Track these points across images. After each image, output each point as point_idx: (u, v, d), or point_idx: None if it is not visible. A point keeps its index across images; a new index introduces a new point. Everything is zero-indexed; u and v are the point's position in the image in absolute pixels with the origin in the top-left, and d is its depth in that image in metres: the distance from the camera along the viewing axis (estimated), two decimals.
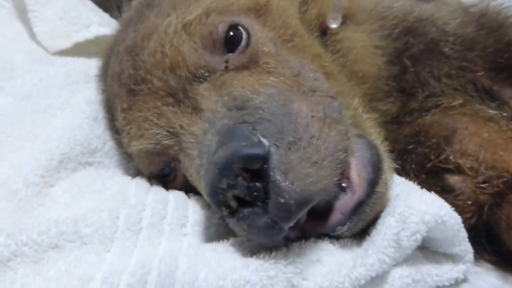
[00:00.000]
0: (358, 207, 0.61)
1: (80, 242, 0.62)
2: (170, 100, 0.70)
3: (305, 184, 0.55)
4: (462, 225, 0.63)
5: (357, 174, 0.62)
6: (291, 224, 0.56)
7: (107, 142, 0.84)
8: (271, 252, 0.59)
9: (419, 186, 0.72)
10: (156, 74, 0.70)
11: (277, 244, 0.59)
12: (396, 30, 0.87)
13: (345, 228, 0.61)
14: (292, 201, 0.55)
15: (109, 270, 0.56)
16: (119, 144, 0.83)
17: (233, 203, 0.57)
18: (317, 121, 0.61)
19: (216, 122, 0.63)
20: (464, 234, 0.64)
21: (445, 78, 0.85)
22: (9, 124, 0.84)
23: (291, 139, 0.57)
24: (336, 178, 0.59)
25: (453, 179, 0.78)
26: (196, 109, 0.67)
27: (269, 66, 0.69)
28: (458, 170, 0.78)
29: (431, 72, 0.85)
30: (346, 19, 0.85)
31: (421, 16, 0.88)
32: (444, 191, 0.77)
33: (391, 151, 0.81)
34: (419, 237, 0.60)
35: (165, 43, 0.70)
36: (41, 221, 0.64)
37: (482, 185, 0.74)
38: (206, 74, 0.69)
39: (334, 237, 0.62)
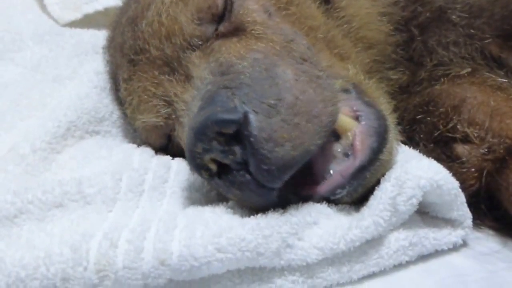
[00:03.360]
0: (359, 172, 0.61)
1: (83, 201, 0.64)
2: (166, 69, 0.71)
3: (286, 149, 0.56)
4: (460, 190, 0.63)
5: (361, 142, 0.62)
6: (278, 185, 0.58)
7: (115, 112, 0.86)
8: (267, 213, 0.60)
9: (421, 154, 0.73)
10: (153, 43, 0.72)
11: (273, 203, 0.60)
12: None
13: (344, 192, 0.61)
14: (274, 167, 0.56)
15: (110, 227, 0.58)
16: (125, 114, 0.85)
17: (213, 166, 0.58)
18: (301, 84, 0.61)
19: (202, 88, 0.64)
20: (462, 199, 0.64)
21: (452, 46, 0.84)
22: (18, 93, 0.86)
23: (271, 101, 0.58)
24: (320, 141, 0.59)
25: (461, 148, 0.78)
26: (188, 77, 0.69)
27: (257, 32, 0.69)
28: (466, 139, 0.78)
29: (438, 41, 0.85)
30: None
31: None
32: (451, 160, 0.77)
33: (400, 121, 0.82)
34: (415, 201, 0.61)
35: (161, 13, 0.72)
36: (45, 181, 0.66)
37: (484, 151, 0.74)
38: (199, 42, 0.70)
39: (334, 202, 0.63)
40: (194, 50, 0.70)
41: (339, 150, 0.63)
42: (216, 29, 0.70)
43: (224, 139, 0.56)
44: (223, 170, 0.58)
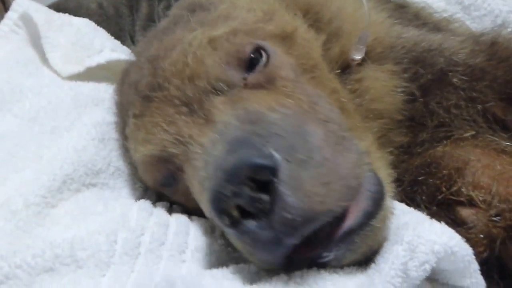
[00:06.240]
0: (348, 235, 0.58)
1: (75, 265, 0.61)
2: (184, 109, 0.69)
3: (313, 201, 0.54)
4: (474, 257, 0.60)
5: (356, 204, 0.59)
6: (296, 241, 0.55)
7: (112, 163, 0.84)
8: (271, 281, 0.57)
9: (429, 217, 0.70)
10: (174, 82, 0.70)
11: (279, 262, 0.57)
12: (405, 60, 0.85)
13: (331, 255, 0.58)
14: (298, 218, 0.54)
15: None
16: (126, 152, 0.82)
17: (235, 213, 0.55)
18: (329, 145, 0.60)
19: (227, 133, 0.62)
20: (475, 266, 0.61)
21: (454, 109, 0.83)
22: (14, 145, 0.84)
23: (303, 157, 0.57)
24: (345, 204, 0.57)
25: (465, 212, 0.75)
26: (209, 121, 0.67)
27: (287, 89, 0.69)
28: (470, 202, 0.75)
29: (439, 103, 0.83)
30: (366, 58, 0.84)
31: (430, 46, 0.87)
32: (456, 224, 0.74)
33: (401, 182, 0.80)
34: (428, 267, 0.57)
35: (188, 54, 0.71)
36: (36, 243, 0.63)
37: (495, 218, 0.71)
38: (225, 88, 0.69)
39: (321, 266, 0.59)
40: (218, 95, 0.68)
41: None
42: (245, 78, 0.69)
43: (255, 186, 0.54)
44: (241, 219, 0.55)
